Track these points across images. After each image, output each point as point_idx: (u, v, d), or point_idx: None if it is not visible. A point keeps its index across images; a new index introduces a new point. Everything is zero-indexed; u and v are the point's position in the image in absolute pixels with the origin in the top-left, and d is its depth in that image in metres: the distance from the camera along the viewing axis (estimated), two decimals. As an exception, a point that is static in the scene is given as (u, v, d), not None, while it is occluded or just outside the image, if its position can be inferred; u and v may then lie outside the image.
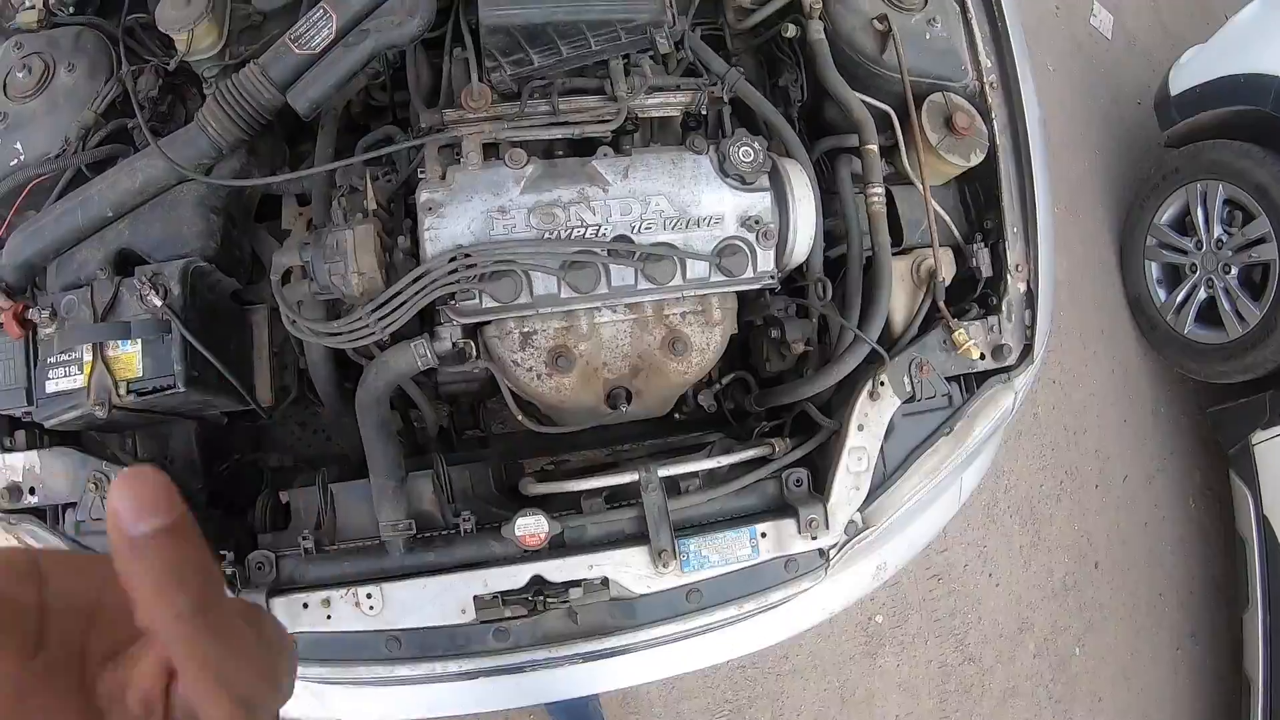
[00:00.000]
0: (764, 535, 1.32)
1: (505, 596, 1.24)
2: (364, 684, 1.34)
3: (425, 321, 1.28)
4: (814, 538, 1.32)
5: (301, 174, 1.35)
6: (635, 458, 1.50)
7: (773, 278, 1.29)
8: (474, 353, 1.25)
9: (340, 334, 1.21)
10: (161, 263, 1.26)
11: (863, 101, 1.42)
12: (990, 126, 1.51)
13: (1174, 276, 3.41)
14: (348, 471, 1.43)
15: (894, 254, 1.41)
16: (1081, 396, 3.27)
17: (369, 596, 1.24)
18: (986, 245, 1.49)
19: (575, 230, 1.20)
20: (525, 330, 1.26)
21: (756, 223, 1.25)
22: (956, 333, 1.40)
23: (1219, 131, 3.18)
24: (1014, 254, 1.48)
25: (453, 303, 1.20)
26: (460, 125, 1.24)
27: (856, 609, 2.68)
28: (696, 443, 1.49)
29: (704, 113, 1.39)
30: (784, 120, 1.40)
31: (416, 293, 1.16)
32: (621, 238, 1.21)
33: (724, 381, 1.56)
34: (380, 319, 1.18)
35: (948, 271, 1.46)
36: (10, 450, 1.29)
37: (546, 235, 1.19)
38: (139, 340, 1.20)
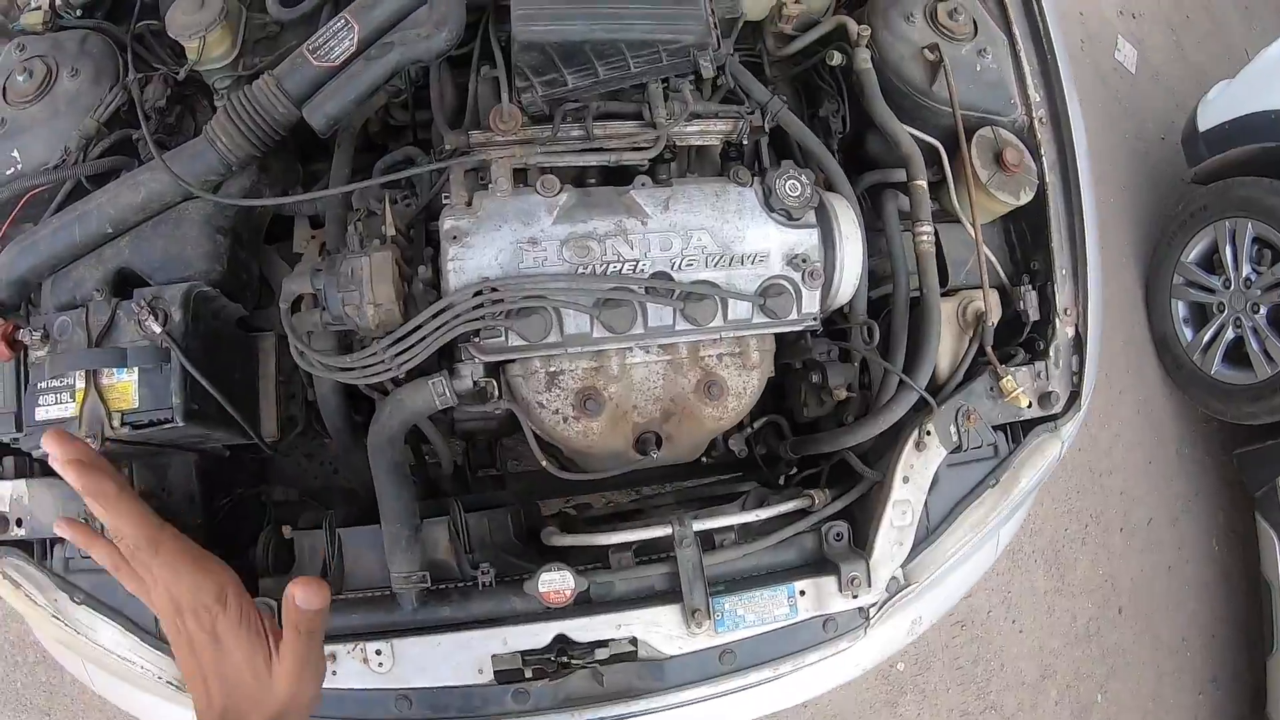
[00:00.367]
0: (803, 593, 1.23)
1: (526, 656, 1.15)
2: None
3: (444, 356, 1.18)
4: (855, 596, 1.24)
5: (315, 195, 1.27)
6: (663, 504, 1.41)
7: (816, 319, 1.22)
8: (496, 392, 1.17)
9: (353, 369, 1.12)
10: (162, 285, 1.16)
11: (911, 135, 1.35)
12: (1039, 164, 1.44)
13: (1201, 315, 3.34)
14: (356, 509, 1.34)
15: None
16: (1107, 437, 3.19)
17: (378, 653, 1.15)
18: (1034, 287, 1.42)
19: (611, 265, 1.11)
20: (552, 370, 1.17)
21: (803, 261, 1.17)
22: (1005, 380, 1.33)
23: (1247, 168, 3.13)
24: (1063, 297, 1.41)
25: (476, 339, 1.11)
26: (488, 148, 1.16)
27: (879, 657, 2.60)
28: (728, 491, 1.40)
29: (744, 142, 1.31)
30: (828, 153, 1.32)
31: (437, 328, 1.07)
32: (661, 274, 1.13)
33: (756, 425, 1.47)
34: (397, 355, 1.09)
35: (994, 314, 1.39)
36: None
37: (580, 270, 1.10)
38: (135, 369, 1.10)
